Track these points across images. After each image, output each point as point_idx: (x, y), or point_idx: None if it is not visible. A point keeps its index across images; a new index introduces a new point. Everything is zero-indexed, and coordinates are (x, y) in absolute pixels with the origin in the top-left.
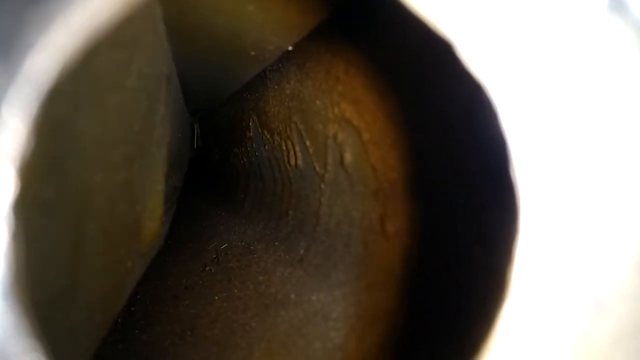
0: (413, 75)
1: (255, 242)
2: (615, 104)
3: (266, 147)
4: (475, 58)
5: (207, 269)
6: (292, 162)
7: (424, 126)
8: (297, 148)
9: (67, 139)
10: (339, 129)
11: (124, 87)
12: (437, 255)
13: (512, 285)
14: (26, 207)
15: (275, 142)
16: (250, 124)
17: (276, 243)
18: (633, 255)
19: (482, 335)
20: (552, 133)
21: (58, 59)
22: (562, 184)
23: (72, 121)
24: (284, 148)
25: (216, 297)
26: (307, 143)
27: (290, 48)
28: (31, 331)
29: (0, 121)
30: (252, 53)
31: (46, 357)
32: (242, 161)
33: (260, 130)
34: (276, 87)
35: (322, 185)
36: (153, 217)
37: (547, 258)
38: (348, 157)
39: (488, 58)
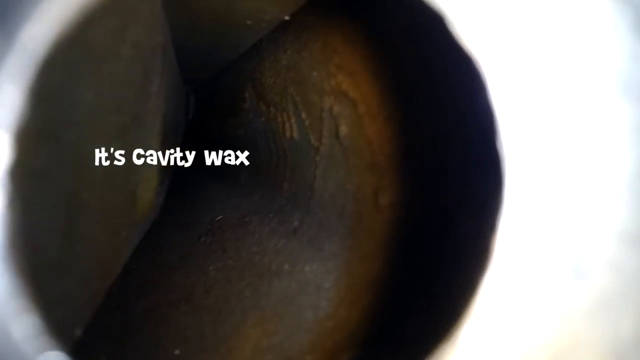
0: (407, 48)
1: (250, 214)
2: (603, 79)
3: (262, 118)
4: (466, 31)
5: (202, 239)
6: (288, 134)
7: (418, 99)
8: (293, 120)
9: (62, 107)
10: (335, 101)
11: (118, 56)
12: (428, 227)
13: (494, 254)
14: (21, 175)
15: (271, 114)
16: (246, 94)
17: (271, 215)
18: (615, 225)
19: (465, 301)
20: (538, 106)
21: (53, 29)
22: (546, 154)
23: (66, 89)
24: (280, 120)
25: (211, 267)
26: (303, 115)
27: (287, 18)
28: (26, 293)
29: None
30: (249, 22)
31: (40, 318)
32: (237, 132)
33: (256, 102)
34: (272, 57)
35: (317, 158)
36: (148, 188)
37: (530, 227)
38: (344, 129)
39: (479, 31)
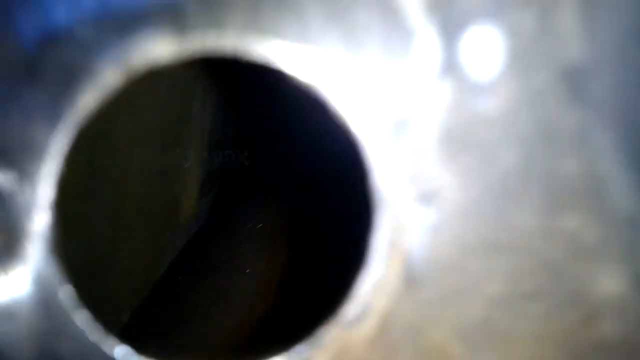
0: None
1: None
2: (464, 154)
3: None
4: (350, 113)
5: (243, 245)
6: None
7: None
8: None
9: (106, 142)
10: None
11: (157, 94)
12: None
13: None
14: (70, 196)
15: None
16: None
17: None
18: (467, 240)
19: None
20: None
21: (101, 93)
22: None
23: (110, 129)
24: None
25: (247, 270)
26: None
27: None
28: (68, 281)
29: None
30: None
31: (78, 298)
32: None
33: None
34: None
35: None
36: (189, 195)
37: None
38: None
39: (362, 113)
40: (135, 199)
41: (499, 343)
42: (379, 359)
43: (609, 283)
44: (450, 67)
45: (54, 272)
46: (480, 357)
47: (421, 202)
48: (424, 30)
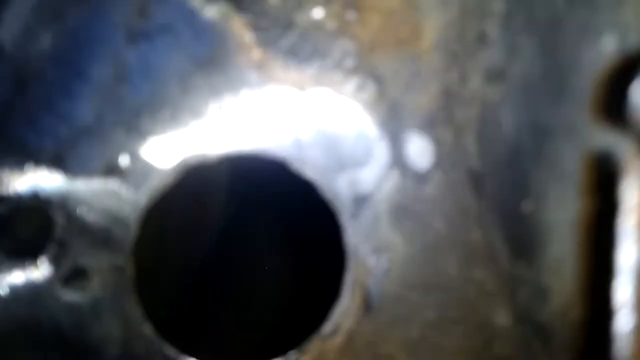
0: None
1: None
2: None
3: None
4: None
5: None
6: None
7: None
8: None
9: (161, 205)
10: None
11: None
12: None
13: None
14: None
15: None
16: None
17: None
18: (401, 276)
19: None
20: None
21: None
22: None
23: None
24: None
25: (267, 268)
26: None
27: None
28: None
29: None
30: None
31: (139, 304)
32: None
33: None
34: None
35: None
36: (212, 214)
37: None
38: None
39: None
40: (170, 227)
41: (434, 354)
42: None
43: (500, 317)
44: (397, 161)
45: (126, 294)
46: None
47: (377, 253)
48: (379, 137)
